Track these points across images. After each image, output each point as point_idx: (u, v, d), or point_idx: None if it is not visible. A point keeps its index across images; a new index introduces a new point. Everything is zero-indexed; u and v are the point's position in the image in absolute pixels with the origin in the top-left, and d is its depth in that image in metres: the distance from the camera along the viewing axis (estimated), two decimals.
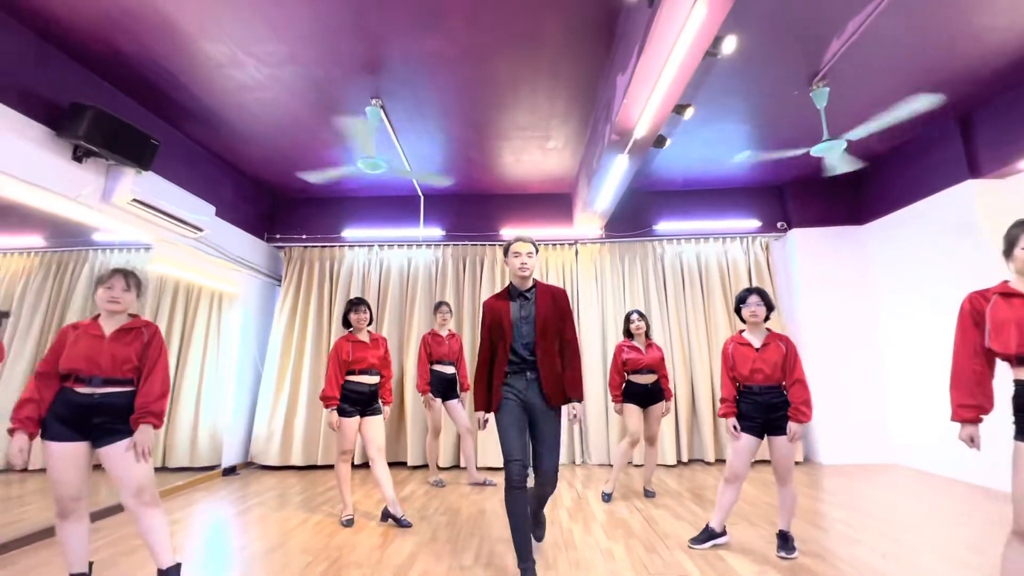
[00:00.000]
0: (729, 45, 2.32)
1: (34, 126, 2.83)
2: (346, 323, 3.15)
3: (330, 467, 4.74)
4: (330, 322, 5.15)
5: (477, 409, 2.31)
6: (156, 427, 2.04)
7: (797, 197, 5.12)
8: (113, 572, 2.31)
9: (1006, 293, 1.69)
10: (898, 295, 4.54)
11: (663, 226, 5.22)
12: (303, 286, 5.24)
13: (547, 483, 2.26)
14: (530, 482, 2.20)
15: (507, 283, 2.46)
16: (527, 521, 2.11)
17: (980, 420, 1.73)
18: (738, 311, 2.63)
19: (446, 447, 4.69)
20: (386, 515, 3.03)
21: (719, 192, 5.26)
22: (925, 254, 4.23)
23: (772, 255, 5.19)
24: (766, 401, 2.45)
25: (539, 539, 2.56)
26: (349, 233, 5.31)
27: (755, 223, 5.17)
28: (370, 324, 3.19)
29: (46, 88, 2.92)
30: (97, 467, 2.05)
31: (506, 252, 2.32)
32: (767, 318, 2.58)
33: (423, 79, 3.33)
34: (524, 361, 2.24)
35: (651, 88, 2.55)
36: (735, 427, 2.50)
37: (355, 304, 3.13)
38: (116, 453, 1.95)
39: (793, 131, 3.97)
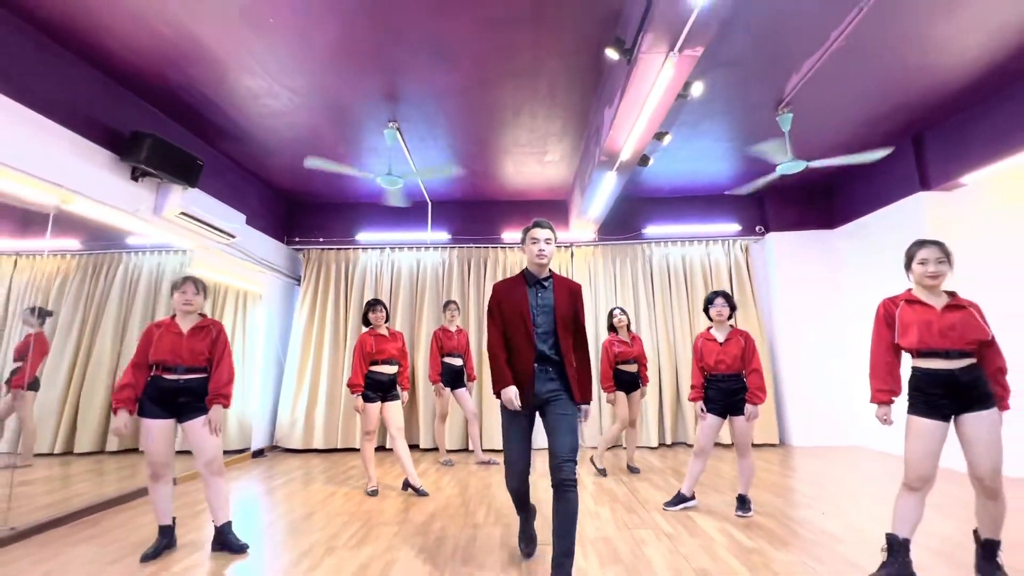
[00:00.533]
0: (697, 89, 2.76)
1: (102, 152, 3.28)
2: (365, 321, 3.62)
3: (349, 450, 5.24)
4: (346, 318, 5.62)
5: (502, 387, 2.07)
6: (225, 407, 2.52)
7: (774, 203, 5.58)
8: (182, 529, 2.79)
9: (910, 300, 2.16)
10: (864, 293, 5.01)
11: (651, 230, 5.68)
12: (321, 285, 5.70)
13: (563, 466, 1.95)
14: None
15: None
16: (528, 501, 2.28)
17: (892, 402, 2.19)
18: (706, 311, 3.11)
19: (453, 432, 5.18)
20: (406, 485, 3.53)
21: (703, 199, 5.71)
22: (886, 256, 4.69)
23: (751, 257, 5.66)
24: (728, 387, 2.93)
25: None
26: (363, 236, 5.76)
27: (736, 227, 5.64)
28: (387, 321, 3.67)
29: (110, 118, 3.36)
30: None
31: (524, 238, 2.21)
32: (731, 316, 3.06)
33: (435, 105, 3.78)
34: (541, 355, 2.09)
35: (633, 122, 3.00)
36: (702, 409, 2.98)
37: (372, 305, 3.61)
38: (195, 427, 2.42)
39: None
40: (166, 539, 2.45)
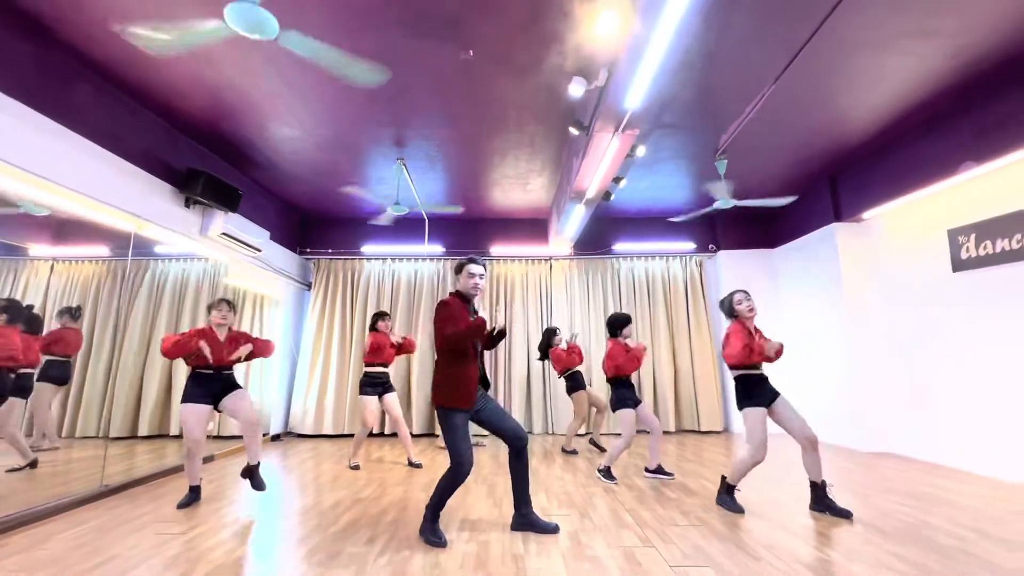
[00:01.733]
0: (641, 151, 3.60)
1: (164, 186, 4.02)
2: (372, 326, 4.43)
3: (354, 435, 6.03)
4: (352, 321, 6.39)
5: (479, 333, 2.49)
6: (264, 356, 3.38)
7: (724, 225, 6.49)
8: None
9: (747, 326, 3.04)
10: (799, 303, 5.94)
11: (620, 246, 6.56)
12: (329, 291, 6.46)
13: (523, 444, 2.60)
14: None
15: (488, 293, 3.28)
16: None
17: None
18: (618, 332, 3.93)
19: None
20: (410, 463, 4.34)
21: (664, 220, 6.59)
22: (811, 273, 5.63)
23: (704, 271, 6.57)
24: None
25: (554, 528, 2.66)
26: (367, 248, 6.53)
27: (691, 245, 6.54)
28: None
29: (170, 157, 4.10)
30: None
31: (459, 270, 2.69)
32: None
33: (436, 150, 4.58)
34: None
35: (594, 172, 3.85)
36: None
37: (383, 315, 4.45)
38: (234, 399, 3.15)
39: (708, 183, 5.31)
40: (195, 495, 3.17)
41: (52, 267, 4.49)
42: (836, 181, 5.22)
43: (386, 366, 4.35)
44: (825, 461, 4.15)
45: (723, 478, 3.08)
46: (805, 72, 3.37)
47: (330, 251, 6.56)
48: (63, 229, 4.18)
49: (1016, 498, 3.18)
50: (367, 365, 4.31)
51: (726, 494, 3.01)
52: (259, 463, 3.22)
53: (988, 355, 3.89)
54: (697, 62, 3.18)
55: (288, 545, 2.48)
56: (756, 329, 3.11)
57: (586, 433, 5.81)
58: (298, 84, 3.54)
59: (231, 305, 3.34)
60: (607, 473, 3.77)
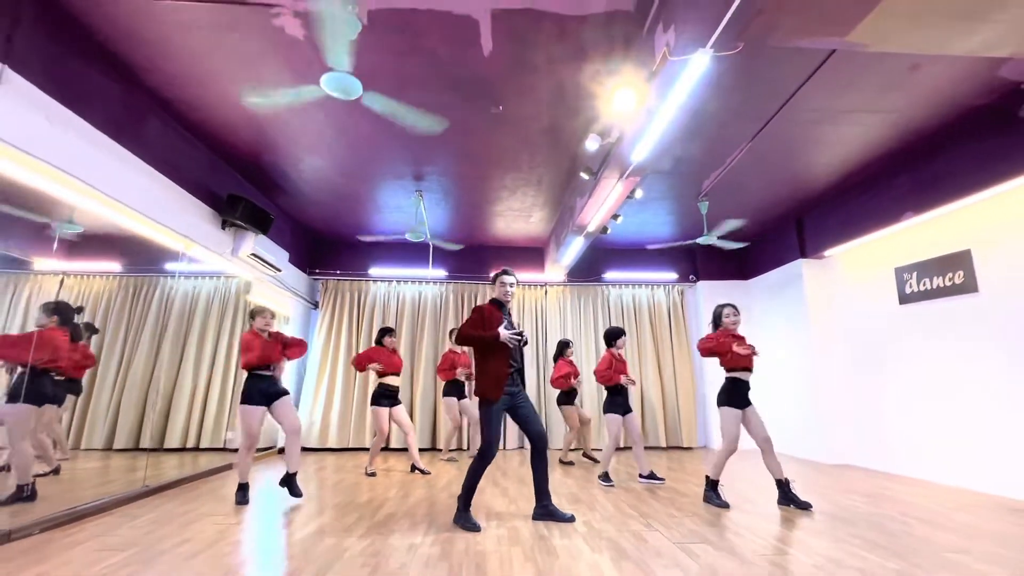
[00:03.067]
0: (639, 193, 4.19)
1: (206, 209, 4.38)
2: (378, 342, 4.82)
3: (358, 449, 6.27)
4: (358, 339, 6.71)
5: (488, 341, 2.96)
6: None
7: (703, 258, 7.16)
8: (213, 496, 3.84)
9: (732, 334, 3.58)
10: (768, 331, 6.58)
11: (610, 275, 7.13)
12: (336, 311, 6.78)
13: (544, 444, 3.06)
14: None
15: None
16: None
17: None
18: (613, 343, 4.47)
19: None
20: (413, 468, 4.68)
21: (650, 252, 7.23)
22: (780, 303, 6.29)
23: (686, 299, 7.19)
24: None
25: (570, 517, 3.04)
26: (374, 271, 6.93)
27: (674, 275, 7.18)
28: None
29: (212, 184, 4.48)
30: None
31: (494, 280, 3.22)
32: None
33: (452, 183, 5.09)
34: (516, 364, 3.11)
35: (596, 210, 4.41)
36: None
37: (389, 331, 4.84)
38: (282, 405, 3.51)
39: (693, 221, 5.97)
40: (246, 492, 3.46)
41: (62, 281, 4.72)
42: (802, 222, 5.95)
43: (398, 375, 4.72)
44: (793, 472, 4.69)
45: (707, 478, 3.55)
46: (774, 135, 4.04)
47: (338, 272, 6.92)
48: (82, 245, 4.31)
49: (951, 497, 3.75)
50: (380, 376, 4.66)
51: (711, 491, 3.48)
52: (296, 472, 3.54)
53: (930, 376, 4.54)
54: (689, 123, 3.80)
55: (343, 527, 2.82)
56: (739, 336, 3.62)
57: (577, 448, 6.23)
58: (342, 123, 4.00)
59: (273, 312, 3.71)
60: (605, 477, 4.19)
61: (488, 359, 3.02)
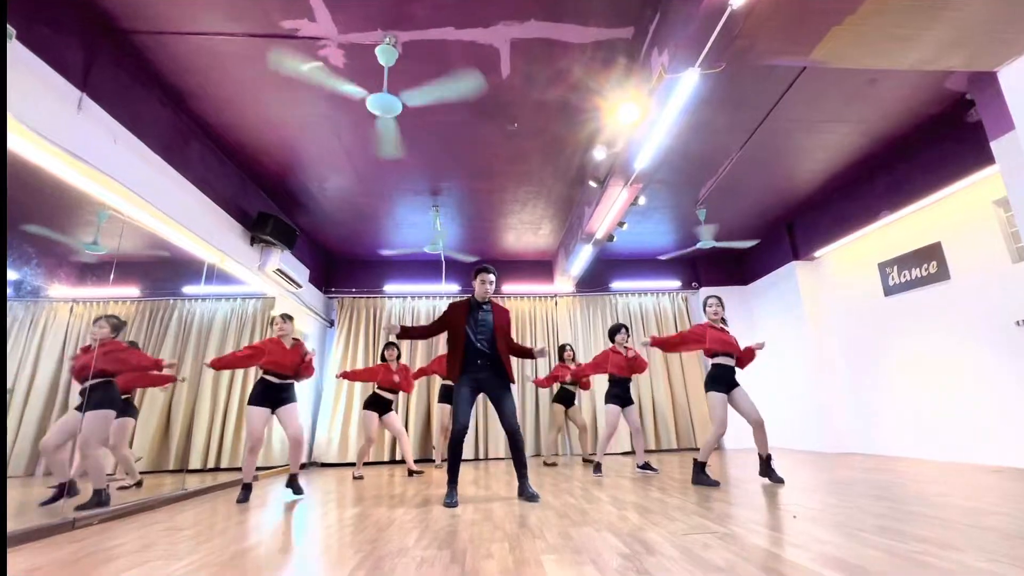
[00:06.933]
0: (642, 200, 4.51)
1: (236, 225, 4.67)
2: (382, 357, 5.08)
3: (376, 463, 6.37)
4: (374, 356, 6.89)
5: (414, 337, 3.52)
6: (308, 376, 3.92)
7: (704, 266, 7.48)
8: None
9: (712, 326, 3.82)
10: (769, 332, 6.83)
11: (617, 284, 7.42)
12: (352, 328, 6.99)
13: (512, 431, 3.27)
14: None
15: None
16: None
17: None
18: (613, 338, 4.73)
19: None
20: (410, 472, 4.89)
21: (654, 261, 7.53)
22: (778, 304, 6.57)
23: (689, 305, 7.46)
24: (624, 386, 4.54)
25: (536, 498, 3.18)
26: (389, 287, 7.18)
27: (677, 283, 7.47)
28: (398, 358, 5.18)
29: (243, 202, 4.78)
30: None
31: (474, 276, 3.53)
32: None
33: (467, 198, 5.42)
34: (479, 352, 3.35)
35: (603, 218, 4.73)
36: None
37: (388, 345, 5.14)
38: (287, 411, 3.70)
39: (693, 229, 6.30)
40: (248, 492, 3.57)
41: (71, 309, 4.84)
42: (792, 226, 6.30)
43: (392, 391, 5.05)
44: (798, 463, 4.87)
45: (695, 461, 3.68)
46: (761, 144, 4.42)
47: (354, 290, 7.17)
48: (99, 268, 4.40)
49: (942, 467, 3.95)
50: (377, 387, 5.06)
51: (700, 473, 3.61)
52: (298, 473, 3.76)
53: (917, 360, 4.79)
54: (684, 135, 4.17)
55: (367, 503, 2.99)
56: (723, 328, 3.84)
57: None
58: (371, 138, 4.32)
59: (287, 317, 3.92)
60: (597, 468, 4.43)
61: (449, 348, 3.45)
